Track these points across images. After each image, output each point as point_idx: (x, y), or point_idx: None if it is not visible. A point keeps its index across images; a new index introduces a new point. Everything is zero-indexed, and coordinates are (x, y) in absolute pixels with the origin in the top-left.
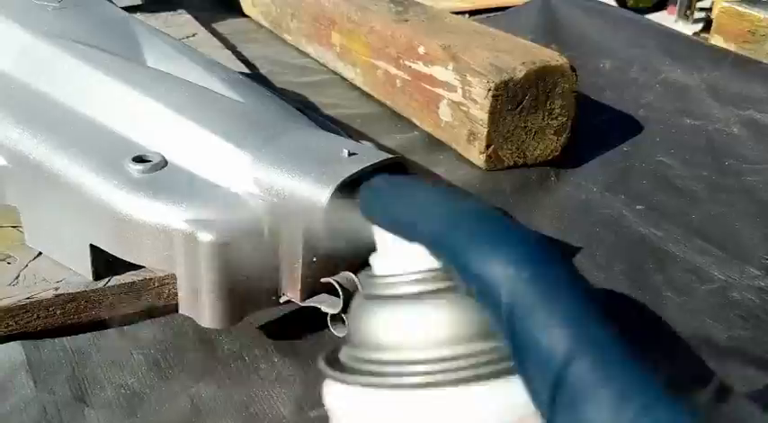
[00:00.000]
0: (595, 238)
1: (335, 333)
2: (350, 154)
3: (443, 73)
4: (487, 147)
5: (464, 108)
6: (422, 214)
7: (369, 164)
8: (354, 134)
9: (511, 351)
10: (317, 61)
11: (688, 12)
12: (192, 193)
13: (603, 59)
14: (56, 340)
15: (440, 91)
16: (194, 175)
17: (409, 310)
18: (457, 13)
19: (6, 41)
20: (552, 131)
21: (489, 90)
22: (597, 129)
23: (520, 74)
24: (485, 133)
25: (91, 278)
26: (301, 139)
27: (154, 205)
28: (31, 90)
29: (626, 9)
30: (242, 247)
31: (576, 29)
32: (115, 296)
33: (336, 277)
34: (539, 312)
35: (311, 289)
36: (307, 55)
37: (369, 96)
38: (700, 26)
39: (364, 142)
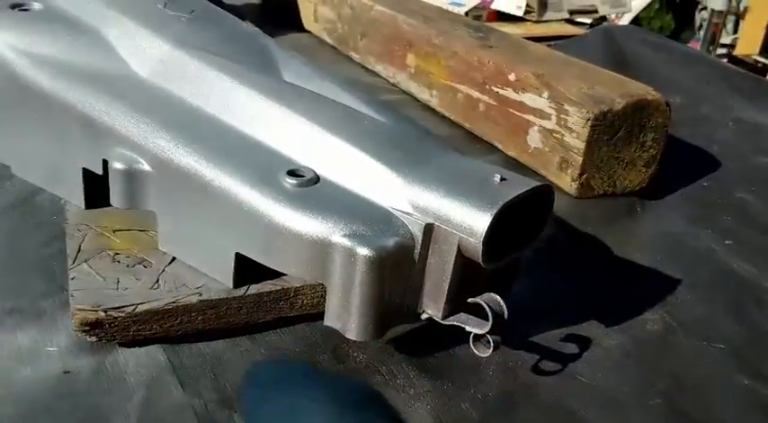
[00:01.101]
0: (691, 272)
1: (478, 353)
2: (501, 179)
3: (536, 100)
4: (581, 175)
5: (558, 135)
6: None
7: (523, 190)
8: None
9: None
10: (387, 81)
11: (711, 47)
12: (347, 209)
13: (673, 95)
14: (192, 346)
15: (530, 117)
16: (347, 191)
17: None
18: None
19: (145, 50)
20: (642, 163)
21: (588, 120)
22: (675, 163)
23: (618, 106)
24: (579, 162)
25: (231, 285)
26: (450, 163)
27: (312, 218)
28: (174, 98)
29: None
30: (395, 263)
31: (642, 62)
32: (253, 304)
33: (483, 298)
34: None
35: (452, 308)
36: (376, 74)
37: (445, 118)
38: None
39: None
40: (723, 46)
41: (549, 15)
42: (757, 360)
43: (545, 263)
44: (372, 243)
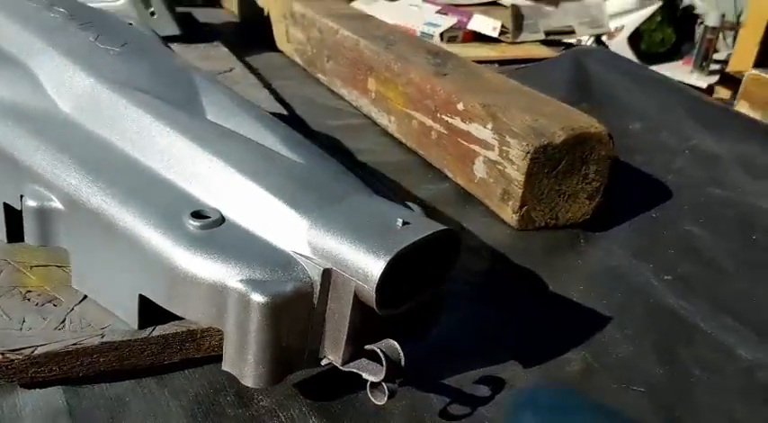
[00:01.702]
0: (625, 309)
1: (375, 401)
2: (404, 223)
3: (481, 131)
4: (521, 207)
5: (500, 167)
6: None
7: (422, 235)
8: (388, 183)
9: None
10: (351, 104)
11: (704, 63)
12: (247, 253)
13: (633, 121)
14: (95, 387)
15: (476, 147)
16: (250, 234)
17: None
18: (484, 62)
19: (70, 83)
20: (585, 195)
21: (528, 152)
22: (626, 192)
23: (558, 139)
24: (519, 194)
25: (136, 327)
26: (358, 205)
27: (210, 262)
28: (91, 135)
29: (644, 60)
30: (292, 309)
31: (606, 87)
32: (158, 346)
33: (380, 345)
34: None
35: (352, 354)
36: (340, 97)
37: (401, 144)
38: (715, 78)
39: (413, 206)
40: (717, 62)
41: (524, 37)
42: (675, 404)
43: (476, 298)
44: (267, 289)
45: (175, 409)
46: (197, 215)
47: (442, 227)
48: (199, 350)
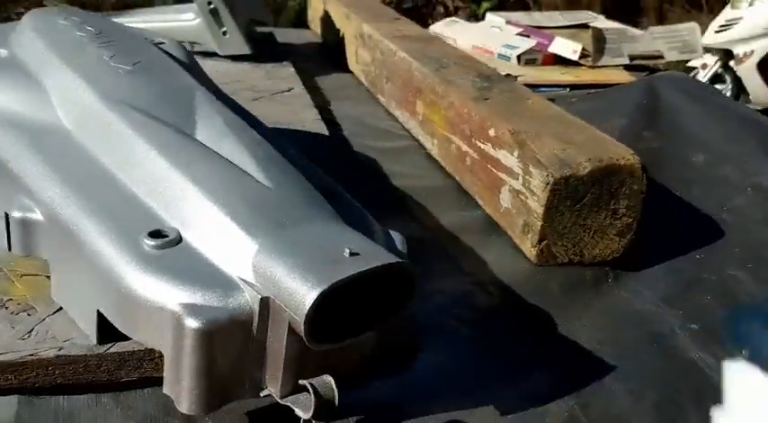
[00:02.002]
0: (636, 358)
1: None
2: (351, 254)
3: (508, 158)
4: (540, 241)
5: (522, 197)
6: None
7: (365, 268)
8: (414, 206)
9: None
10: (403, 126)
11: None
12: (193, 276)
13: (698, 152)
14: (52, 399)
15: (503, 176)
16: (201, 257)
17: None
18: (558, 86)
19: (74, 98)
20: (615, 232)
21: (548, 184)
22: (672, 228)
23: (583, 170)
24: (539, 227)
25: (95, 341)
26: (312, 232)
27: (155, 283)
28: (83, 150)
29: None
30: (228, 337)
31: (676, 115)
32: (114, 362)
33: (314, 380)
34: None
35: (294, 386)
36: (395, 118)
37: (442, 169)
38: None
39: (395, 235)
40: None
41: (606, 60)
42: None
43: (469, 336)
44: (202, 315)
45: None
46: (155, 234)
47: (393, 260)
48: (156, 369)
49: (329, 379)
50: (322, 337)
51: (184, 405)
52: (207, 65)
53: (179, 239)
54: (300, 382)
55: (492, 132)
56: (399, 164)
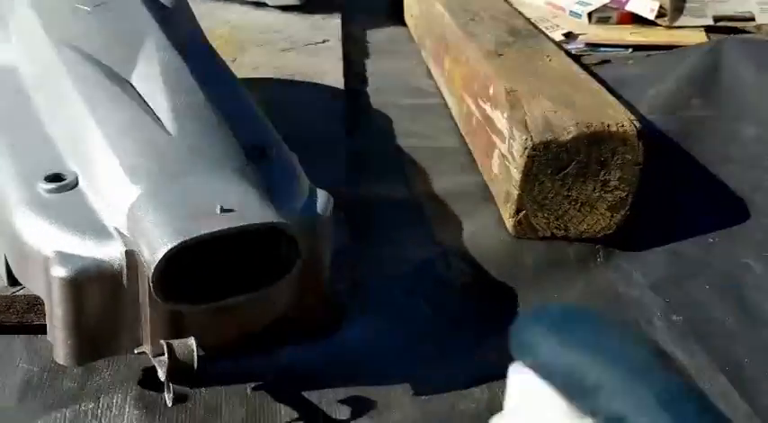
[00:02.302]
0: None
1: (166, 399)
2: (224, 210)
3: (500, 120)
4: (518, 211)
5: (507, 163)
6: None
7: (227, 226)
8: (412, 168)
9: None
10: (436, 84)
11: None
12: (74, 223)
13: (749, 126)
14: None
15: (495, 139)
16: (88, 203)
17: None
18: (621, 46)
19: (27, 38)
20: (606, 206)
21: (526, 149)
22: (688, 206)
23: (567, 136)
24: (515, 196)
25: (6, 283)
26: (197, 184)
27: (38, 228)
28: (22, 90)
29: None
30: (96, 288)
31: (733, 84)
32: (22, 305)
33: (174, 341)
34: None
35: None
36: (432, 76)
37: (458, 131)
38: None
39: (321, 193)
40: None
41: (685, 21)
42: None
43: (412, 312)
44: (70, 263)
45: (19, 371)
46: (52, 178)
47: (268, 220)
48: None
49: (191, 342)
50: (181, 297)
51: (60, 355)
52: (252, 15)
53: (75, 184)
54: (161, 341)
55: (491, 91)
56: (416, 123)
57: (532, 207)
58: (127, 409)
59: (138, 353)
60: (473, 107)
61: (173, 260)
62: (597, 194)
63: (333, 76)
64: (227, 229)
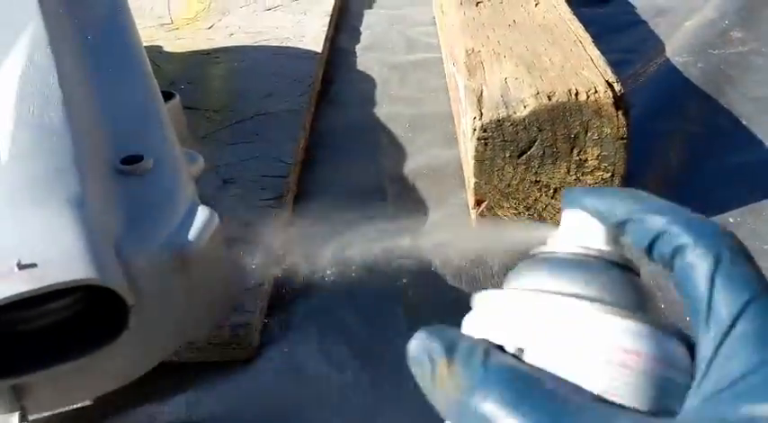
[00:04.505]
0: None
1: None
2: (23, 266)
3: (461, 89)
4: (478, 202)
5: (465, 144)
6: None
7: (19, 290)
8: (386, 142)
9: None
10: (437, 33)
11: None
12: None
13: None
14: None
15: (458, 109)
16: None
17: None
18: None
19: None
20: None
21: (475, 129)
22: (712, 176)
23: (523, 111)
24: (473, 184)
25: None
26: (6, 226)
27: None
28: None
29: None
30: None
31: None
32: None
33: None
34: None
35: None
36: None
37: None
38: None
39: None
40: None
41: None
42: None
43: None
44: None
45: None
46: None
47: (82, 276)
48: None
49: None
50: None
51: None
52: None
53: None
54: None
55: (457, 51)
56: (405, 85)
57: (495, 196)
58: None
59: None
60: (451, 67)
61: None
62: (574, 177)
63: (312, 38)
64: (18, 293)
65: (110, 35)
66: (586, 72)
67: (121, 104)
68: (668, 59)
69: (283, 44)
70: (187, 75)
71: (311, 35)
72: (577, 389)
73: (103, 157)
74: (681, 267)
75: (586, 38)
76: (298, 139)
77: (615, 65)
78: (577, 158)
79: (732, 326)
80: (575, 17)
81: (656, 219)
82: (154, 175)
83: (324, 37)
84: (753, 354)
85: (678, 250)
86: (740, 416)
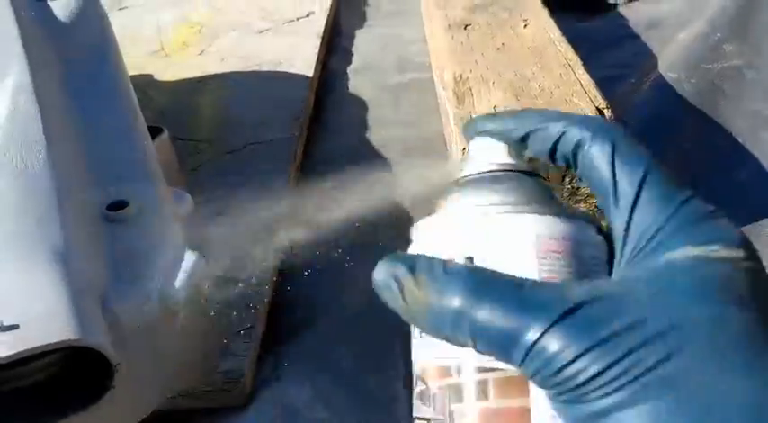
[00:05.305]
0: None
1: None
2: (4, 328)
3: (450, 117)
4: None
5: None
6: None
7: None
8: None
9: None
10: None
11: None
12: None
13: None
14: None
15: (449, 133)
16: None
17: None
18: None
19: None
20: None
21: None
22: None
23: None
24: None
25: None
26: None
27: None
28: None
29: None
30: None
31: None
32: None
33: None
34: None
35: None
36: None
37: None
38: None
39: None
40: None
41: None
42: None
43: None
44: None
45: None
46: None
47: (66, 337)
48: None
49: None
50: None
51: None
52: None
53: None
54: None
55: (446, 76)
56: (394, 108)
57: None
58: None
59: None
60: (441, 89)
61: None
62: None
63: (303, 60)
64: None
65: (96, 74)
66: (576, 99)
67: (107, 147)
68: (661, 75)
69: (275, 69)
70: (178, 104)
71: (303, 58)
72: (527, 277)
73: (88, 203)
74: (584, 159)
75: (576, 61)
76: (289, 171)
77: (609, 81)
78: (569, 187)
79: (638, 196)
80: (563, 39)
81: (553, 125)
82: (140, 220)
83: (315, 60)
84: (659, 214)
85: (579, 145)
86: (661, 263)
